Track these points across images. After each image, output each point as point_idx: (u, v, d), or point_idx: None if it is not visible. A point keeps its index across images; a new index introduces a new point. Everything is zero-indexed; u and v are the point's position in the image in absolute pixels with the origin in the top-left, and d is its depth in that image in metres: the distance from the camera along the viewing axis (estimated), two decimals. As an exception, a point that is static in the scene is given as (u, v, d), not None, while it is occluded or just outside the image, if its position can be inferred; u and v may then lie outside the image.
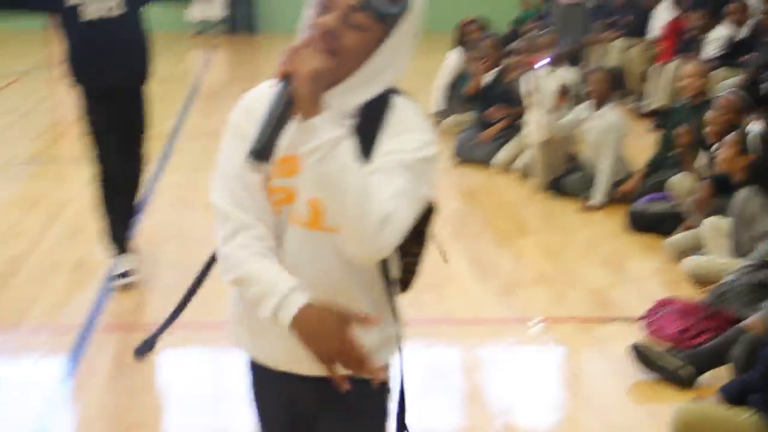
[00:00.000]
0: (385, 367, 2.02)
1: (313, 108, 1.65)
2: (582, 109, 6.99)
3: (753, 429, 3.84)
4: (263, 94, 1.84)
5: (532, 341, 4.88)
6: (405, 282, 2.09)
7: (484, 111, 8.16)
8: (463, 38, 9.56)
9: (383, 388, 2.02)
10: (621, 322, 4.94)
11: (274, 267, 1.84)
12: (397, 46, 1.83)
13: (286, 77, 1.64)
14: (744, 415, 3.88)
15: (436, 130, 8.52)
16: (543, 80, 7.20)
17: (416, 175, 1.80)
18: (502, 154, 7.82)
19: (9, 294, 5.29)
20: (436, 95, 9.33)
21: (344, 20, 1.73)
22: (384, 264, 1.95)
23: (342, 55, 1.75)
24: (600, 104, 6.78)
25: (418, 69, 11.84)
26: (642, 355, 4.31)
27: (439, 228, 5.76)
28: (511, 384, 4.53)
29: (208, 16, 17.68)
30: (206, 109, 11.29)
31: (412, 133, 1.84)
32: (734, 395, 3.97)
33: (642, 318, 4.69)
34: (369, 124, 1.85)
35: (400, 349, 2.05)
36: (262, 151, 1.63)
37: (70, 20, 5.11)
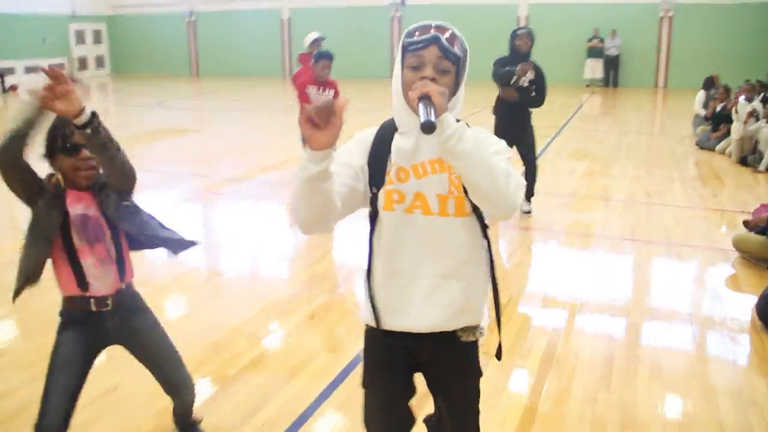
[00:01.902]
0: (481, 329, 1.86)
1: (445, 109, 1.52)
2: (762, 123, 8.54)
3: (763, 244, 5.02)
4: (373, 131, 1.80)
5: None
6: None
7: (714, 123, 9.82)
8: (707, 85, 11.16)
9: (477, 344, 1.88)
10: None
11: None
12: (462, 83, 1.72)
13: (424, 97, 1.51)
14: (763, 238, 5.06)
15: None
16: (742, 106, 8.71)
17: (506, 158, 1.72)
18: (720, 144, 9.48)
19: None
20: (696, 112, 11.02)
21: (436, 70, 1.64)
22: (488, 239, 1.82)
23: None
24: (772, 121, 8.41)
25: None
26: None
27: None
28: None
29: (594, 76, 19.72)
30: (580, 123, 13.06)
31: (492, 136, 1.76)
32: (762, 231, 5.13)
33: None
34: None
35: (497, 309, 1.88)
36: (431, 124, 1.47)
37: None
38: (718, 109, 9.81)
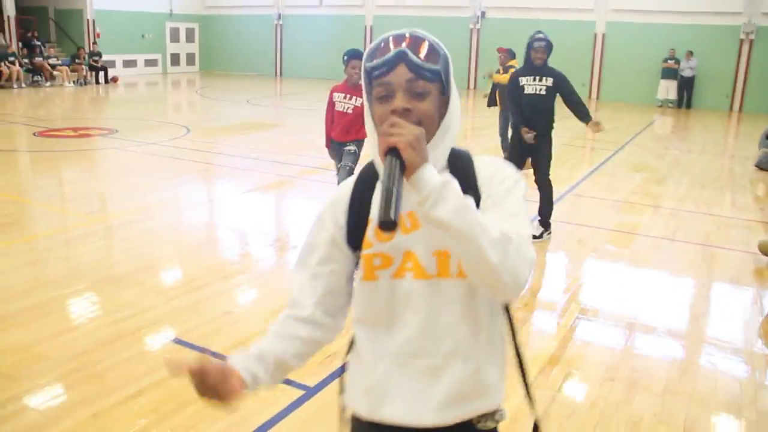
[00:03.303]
0: (501, 412, 1.45)
1: (420, 164, 1.19)
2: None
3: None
4: (344, 191, 1.47)
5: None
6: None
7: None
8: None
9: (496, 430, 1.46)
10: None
11: (262, 354, 1.39)
12: (454, 99, 1.40)
13: (391, 150, 1.20)
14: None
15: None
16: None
17: (521, 197, 1.36)
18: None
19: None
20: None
21: (409, 95, 1.31)
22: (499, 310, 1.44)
23: (425, 122, 1.32)
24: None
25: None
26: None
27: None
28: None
29: (667, 97, 20.23)
30: (646, 140, 13.36)
31: (502, 169, 1.39)
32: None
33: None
34: (465, 177, 1.33)
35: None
36: (390, 222, 1.12)
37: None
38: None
